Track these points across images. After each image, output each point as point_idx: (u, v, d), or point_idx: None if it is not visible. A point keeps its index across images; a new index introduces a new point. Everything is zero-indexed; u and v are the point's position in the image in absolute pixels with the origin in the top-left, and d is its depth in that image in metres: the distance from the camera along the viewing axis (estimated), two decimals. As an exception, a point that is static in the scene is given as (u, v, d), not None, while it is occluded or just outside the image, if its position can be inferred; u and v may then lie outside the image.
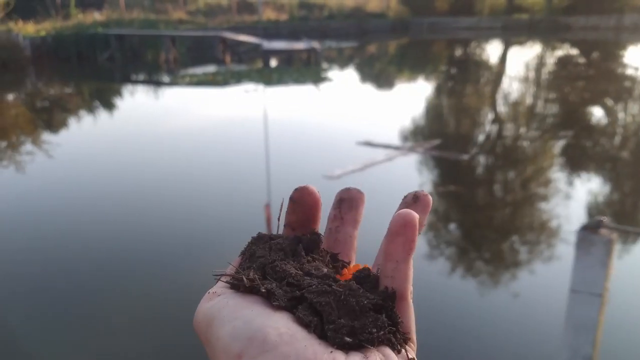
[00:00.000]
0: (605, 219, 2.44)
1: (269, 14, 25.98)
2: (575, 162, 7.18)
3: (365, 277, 0.44)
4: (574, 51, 20.92)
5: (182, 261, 4.30)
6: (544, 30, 26.95)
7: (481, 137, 8.71)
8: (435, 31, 29.14)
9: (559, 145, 8.03)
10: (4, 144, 8.72)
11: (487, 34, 27.32)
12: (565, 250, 4.48)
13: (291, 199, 0.49)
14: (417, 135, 8.56)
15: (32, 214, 5.52)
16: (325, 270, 0.44)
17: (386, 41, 26.19)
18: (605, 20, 26.33)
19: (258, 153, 7.18)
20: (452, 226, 5.44)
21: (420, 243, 4.75)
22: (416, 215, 0.42)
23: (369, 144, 7.36)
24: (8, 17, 18.39)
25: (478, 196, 6.09)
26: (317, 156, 7.13)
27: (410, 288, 0.44)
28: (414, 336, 0.43)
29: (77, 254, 4.61)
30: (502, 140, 8.43)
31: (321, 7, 28.41)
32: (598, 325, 2.48)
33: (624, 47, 21.50)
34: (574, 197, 5.81)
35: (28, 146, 8.40)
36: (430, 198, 0.47)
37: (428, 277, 4.18)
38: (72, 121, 10.30)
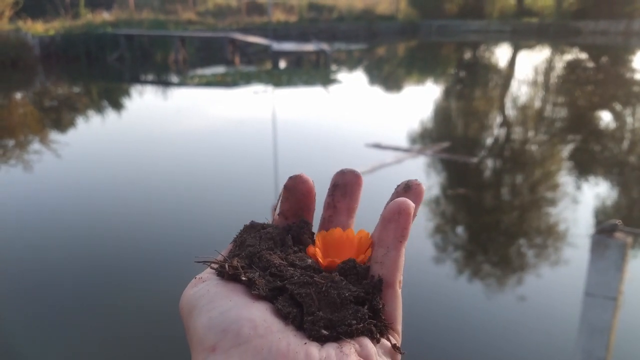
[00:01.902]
0: (620, 223, 2.42)
1: (278, 16, 26.04)
2: (584, 167, 7.16)
3: (350, 269, 0.43)
4: (583, 55, 20.87)
5: (189, 260, 4.29)
6: (553, 34, 26.92)
7: (490, 141, 8.69)
8: (444, 34, 29.15)
9: (567, 149, 8.01)
10: (12, 142, 8.75)
11: (497, 38, 27.31)
12: (573, 254, 4.47)
13: (285, 187, 0.49)
14: (425, 138, 8.55)
15: (39, 213, 5.53)
16: (309, 261, 0.44)
17: (395, 43, 26.20)
18: (615, 25, 26.27)
19: (266, 154, 7.18)
20: (460, 229, 5.43)
21: (428, 245, 4.75)
22: (412, 204, 0.42)
23: (378, 146, 7.35)
24: (17, 16, 18.47)
25: (486, 199, 6.07)
26: (325, 158, 7.12)
27: (400, 277, 0.43)
28: (399, 326, 0.43)
29: (84, 253, 4.62)
30: (511, 143, 8.41)
31: (331, 8, 28.43)
32: (612, 328, 2.46)
33: (633, 52, 21.45)
34: (582, 201, 5.79)
35: (36, 145, 8.42)
36: (423, 187, 0.47)
37: (435, 280, 4.17)
38: (80, 121, 10.32)
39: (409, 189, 0.46)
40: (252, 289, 0.40)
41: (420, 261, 4.39)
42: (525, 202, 6.01)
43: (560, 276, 4.23)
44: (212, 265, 0.44)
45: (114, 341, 3.44)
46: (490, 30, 29.22)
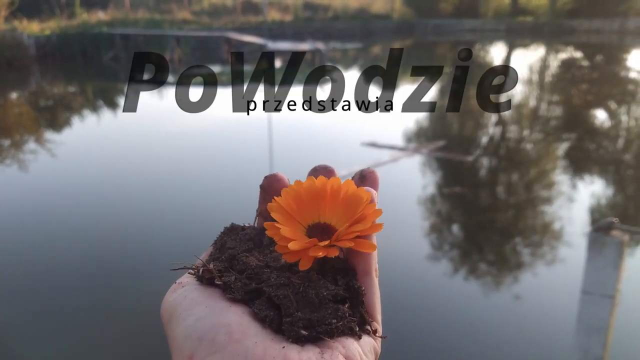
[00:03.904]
0: (617, 221, 2.43)
1: (273, 15, 25.97)
2: (579, 165, 7.17)
3: (329, 268, 0.43)
4: (578, 54, 20.89)
5: (188, 259, 4.28)
6: (547, 33, 26.92)
7: (485, 139, 8.70)
8: (439, 33, 29.12)
9: (562, 147, 8.02)
10: (7, 142, 8.72)
11: (491, 37, 27.31)
12: (569, 252, 4.48)
13: (261, 187, 0.49)
14: (421, 137, 8.56)
15: (34, 213, 5.51)
16: (283, 261, 0.43)
17: (391, 43, 26.18)
18: (609, 24, 26.27)
19: (262, 154, 7.18)
20: (456, 227, 5.44)
21: (423, 244, 4.76)
22: (374, 192, 0.43)
23: (373, 144, 7.36)
24: (13, 15, 18.40)
25: (482, 197, 6.08)
26: (322, 157, 7.11)
27: (375, 265, 0.44)
28: (378, 315, 0.43)
29: (80, 253, 4.60)
30: (506, 142, 8.42)
31: (326, 8, 28.37)
32: (609, 326, 2.47)
33: (627, 51, 21.47)
34: (578, 200, 5.80)
35: (31, 145, 8.40)
36: (377, 174, 0.47)
37: (431, 279, 4.17)
38: (76, 120, 10.30)
39: (364, 178, 0.47)
40: (227, 293, 0.40)
41: (416, 260, 4.40)
42: (521, 200, 6.02)
43: (556, 274, 4.23)
44: (190, 271, 0.44)
45: (113, 343, 3.43)
46: (485, 29, 29.19)
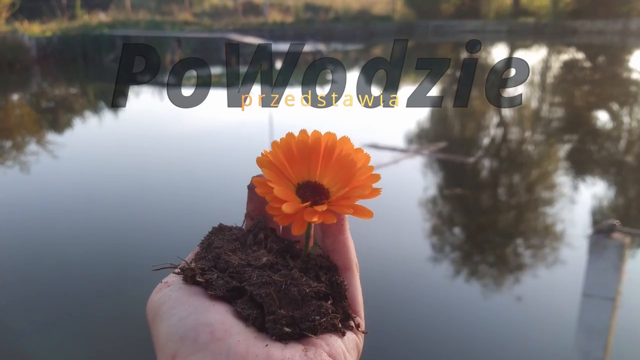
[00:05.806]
0: (618, 223, 2.43)
1: (274, 16, 26.00)
2: (581, 167, 7.16)
3: (312, 265, 0.43)
4: (580, 55, 20.89)
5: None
6: (549, 34, 26.93)
7: (486, 141, 8.69)
8: (440, 34, 29.13)
9: (564, 149, 8.01)
10: (8, 144, 8.73)
11: (493, 38, 27.33)
12: (571, 254, 4.47)
13: (249, 187, 0.50)
14: (422, 138, 8.55)
15: (36, 215, 5.51)
16: (264, 259, 0.43)
17: (391, 44, 26.17)
18: (611, 25, 26.25)
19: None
20: (457, 229, 5.43)
21: (424, 245, 4.75)
22: None
23: (374, 146, 7.35)
24: (14, 17, 18.44)
25: (483, 199, 6.07)
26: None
27: (355, 260, 0.44)
28: (361, 310, 0.43)
29: (81, 256, 4.60)
30: (507, 143, 8.41)
31: (327, 9, 28.40)
32: (610, 329, 2.47)
33: (630, 52, 21.47)
34: (579, 202, 5.79)
35: (33, 146, 8.40)
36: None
37: (431, 281, 4.16)
38: (77, 122, 10.31)
39: None
40: (208, 290, 0.40)
41: (416, 261, 4.39)
42: (522, 202, 6.01)
43: (558, 277, 4.22)
44: (175, 270, 0.44)
45: (112, 349, 3.43)
46: (486, 30, 29.19)
